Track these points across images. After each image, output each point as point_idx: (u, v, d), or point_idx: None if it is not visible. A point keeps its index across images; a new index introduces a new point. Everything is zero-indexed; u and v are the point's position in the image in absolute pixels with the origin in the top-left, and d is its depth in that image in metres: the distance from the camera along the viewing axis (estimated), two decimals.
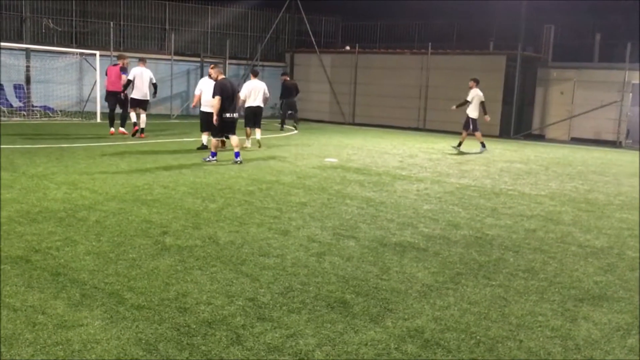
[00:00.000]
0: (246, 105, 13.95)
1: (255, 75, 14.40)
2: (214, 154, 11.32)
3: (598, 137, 21.48)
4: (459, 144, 16.06)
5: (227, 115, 11.14)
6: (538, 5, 23.50)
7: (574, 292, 4.85)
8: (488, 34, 25.44)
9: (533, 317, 4.27)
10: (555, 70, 22.76)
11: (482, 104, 15.69)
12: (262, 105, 14.14)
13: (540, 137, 22.59)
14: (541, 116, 23.24)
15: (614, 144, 20.54)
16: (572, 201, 9.00)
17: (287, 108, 20.88)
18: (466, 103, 15.71)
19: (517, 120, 22.45)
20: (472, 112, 15.64)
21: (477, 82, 15.78)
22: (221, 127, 11.28)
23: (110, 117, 15.54)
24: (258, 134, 14.24)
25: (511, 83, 22.09)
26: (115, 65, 15.78)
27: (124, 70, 15.34)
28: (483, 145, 15.98)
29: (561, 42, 23.60)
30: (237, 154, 11.29)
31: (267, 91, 14.25)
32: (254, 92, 13.94)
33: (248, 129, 14.13)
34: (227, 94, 11.09)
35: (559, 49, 23.35)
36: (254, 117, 14.05)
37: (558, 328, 4.10)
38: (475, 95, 15.55)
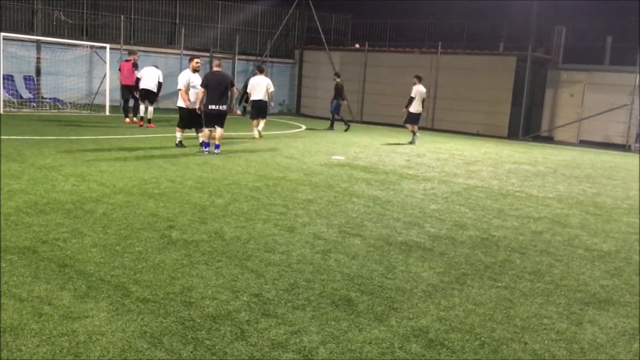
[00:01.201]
0: (250, 99, 15.38)
1: (261, 72, 15.62)
2: (207, 145, 11.67)
3: (607, 140, 21.38)
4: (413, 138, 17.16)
5: (212, 107, 11.39)
6: (549, 6, 23.37)
7: (580, 296, 4.83)
8: (498, 35, 25.35)
9: (538, 320, 4.25)
10: (566, 72, 22.66)
11: (423, 100, 16.94)
12: (263, 99, 15.23)
13: (548, 139, 22.52)
14: (550, 118, 23.15)
15: (623, 148, 20.44)
16: (580, 204, 8.96)
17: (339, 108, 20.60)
18: (412, 100, 16.75)
19: (525, 122, 22.38)
20: (414, 107, 16.78)
21: (420, 79, 17.02)
22: (207, 118, 11.52)
23: (125, 108, 17.08)
24: (261, 125, 15.31)
25: (521, 84, 22.01)
26: (127, 61, 17.00)
27: (135, 66, 16.80)
28: (413, 138, 17.15)
29: (572, 44, 23.49)
30: (216, 146, 11.64)
31: (270, 86, 15.34)
32: (257, 87, 15.14)
33: (254, 121, 15.30)
34: (212, 86, 11.34)
35: (569, 51, 23.24)
36: (257, 109, 15.26)
37: (563, 331, 4.08)
38: (417, 91, 16.69)
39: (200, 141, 12.27)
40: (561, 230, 7.09)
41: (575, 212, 8.28)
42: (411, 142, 16.65)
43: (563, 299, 4.73)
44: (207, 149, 11.64)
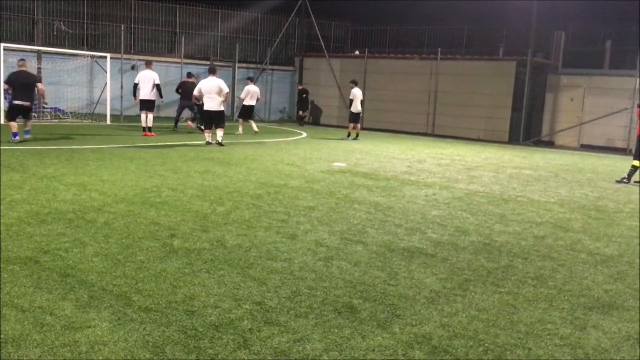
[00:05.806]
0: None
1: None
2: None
3: (608, 144, 21.36)
4: (350, 135, 19.42)
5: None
6: (548, 10, 23.43)
7: (583, 300, 4.81)
8: (498, 40, 25.40)
9: (542, 325, 4.23)
10: (566, 77, 22.68)
11: (357, 101, 19.29)
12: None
13: (549, 144, 22.51)
14: (551, 122, 23.14)
15: (624, 151, 20.41)
16: (582, 208, 8.94)
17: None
18: (352, 102, 19.15)
19: (526, 127, 22.37)
20: (354, 107, 19.28)
21: (355, 83, 19.51)
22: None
23: None
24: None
25: (521, 89, 22.02)
26: None
27: None
28: (348, 136, 19.38)
29: (571, 48, 23.52)
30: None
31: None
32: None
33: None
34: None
35: (569, 56, 23.28)
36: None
37: (567, 336, 4.07)
38: (354, 94, 19.07)
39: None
40: (563, 235, 7.08)
41: (577, 217, 8.26)
42: (354, 138, 19.19)
43: (566, 303, 4.71)
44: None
